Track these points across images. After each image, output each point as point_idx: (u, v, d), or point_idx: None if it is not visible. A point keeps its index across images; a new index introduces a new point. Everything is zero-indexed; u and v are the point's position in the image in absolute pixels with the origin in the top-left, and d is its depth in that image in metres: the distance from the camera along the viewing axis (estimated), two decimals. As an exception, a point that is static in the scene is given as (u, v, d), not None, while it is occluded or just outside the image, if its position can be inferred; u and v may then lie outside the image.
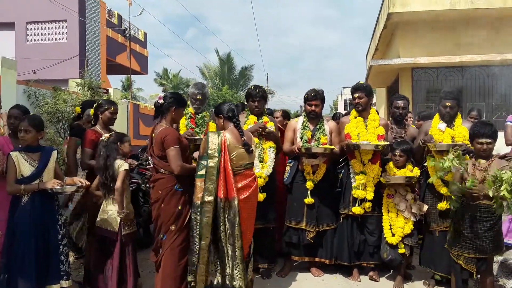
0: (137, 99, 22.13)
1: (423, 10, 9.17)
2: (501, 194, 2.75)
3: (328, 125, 4.16)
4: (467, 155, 3.42)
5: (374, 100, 13.86)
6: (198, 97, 4.03)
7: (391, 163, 3.93)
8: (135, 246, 3.47)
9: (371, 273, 4.01)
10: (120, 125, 10.61)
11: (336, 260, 4.08)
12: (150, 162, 4.68)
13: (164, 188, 3.15)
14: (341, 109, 30.56)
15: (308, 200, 3.98)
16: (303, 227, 4.00)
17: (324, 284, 3.95)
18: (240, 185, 3.14)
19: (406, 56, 9.62)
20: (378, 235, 3.93)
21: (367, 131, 3.96)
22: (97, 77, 16.59)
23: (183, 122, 3.91)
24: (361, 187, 3.89)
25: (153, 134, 3.26)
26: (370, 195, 3.87)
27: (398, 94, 4.85)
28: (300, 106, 24.18)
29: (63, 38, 17.25)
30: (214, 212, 3.06)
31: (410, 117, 5.50)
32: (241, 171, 3.20)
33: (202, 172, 3.09)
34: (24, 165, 2.98)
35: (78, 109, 4.55)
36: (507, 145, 4.25)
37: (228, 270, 3.07)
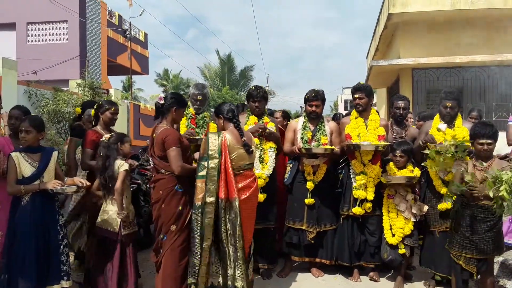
0: (137, 100, 22.13)
1: (423, 11, 9.17)
2: (500, 194, 2.76)
3: (329, 125, 4.17)
4: (467, 156, 3.42)
5: (375, 100, 13.89)
6: (198, 98, 4.03)
7: (391, 163, 3.93)
8: (136, 246, 3.47)
9: (371, 274, 4.01)
10: (121, 125, 10.62)
11: (336, 261, 4.08)
12: (150, 162, 4.68)
13: (165, 189, 3.15)
14: (341, 110, 30.56)
15: (309, 200, 3.98)
16: (303, 228, 4.00)
17: (325, 285, 3.95)
18: (240, 185, 3.14)
19: (406, 56, 9.63)
20: (379, 235, 3.93)
21: (367, 132, 3.96)
22: (97, 77, 16.59)
23: (183, 122, 3.92)
24: (362, 187, 3.89)
25: (154, 135, 3.26)
26: (370, 196, 3.87)
27: (398, 95, 4.85)
28: (301, 107, 24.17)
29: (63, 38, 17.26)
30: (216, 213, 3.07)
31: (410, 118, 5.50)
32: (241, 171, 3.20)
33: (203, 173, 3.09)
34: (25, 166, 2.98)
35: (78, 109, 4.56)
36: (509, 145, 4.24)
37: (230, 271, 3.07)
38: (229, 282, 3.06)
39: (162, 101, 3.29)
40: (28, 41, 17.33)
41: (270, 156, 3.98)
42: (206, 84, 9.01)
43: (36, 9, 16.57)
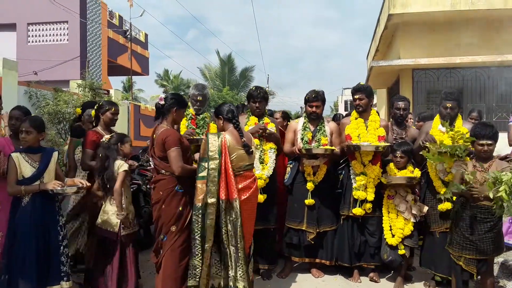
0: (138, 100, 22.15)
1: (423, 11, 9.17)
2: (498, 195, 2.76)
3: (329, 126, 4.17)
4: (468, 157, 3.42)
5: (375, 101, 13.90)
6: (198, 99, 4.03)
7: (391, 164, 3.93)
8: (136, 246, 3.47)
9: (371, 274, 4.00)
10: (121, 126, 10.63)
11: (336, 261, 4.08)
12: (151, 163, 4.68)
13: (165, 189, 3.15)
14: (341, 110, 30.57)
15: (309, 201, 3.98)
16: (303, 228, 4.00)
17: (325, 285, 3.95)
18: (240, 186, 3.14)
19: (406, 57, 9.63)
20: (379, 236, 3.93)
21: (367, 132, 3.96)
22: (98, 78, 16.60)
23: (183, 123, 3.92)
24: (362, 188, 3.89)
25: (154, 135, 3.26)
26: (370, 196, 3.87)
27: (398, 95, 4.86)
28: (301, 107, 24.17)
29: (64, 39, 17.27)
30: (217, 214, 3.06)
31: (410, 118, 5.50)
32: (241, 172, 3.20)
33: (203, 173, 3.09)
34: (25, 166, 2.98)
35: (78, 110, 4.56)
36: (510, 145, 4.24)
37: (231, 272, 3.05)
38: (231, 283, 3.05)
39: (162, 102, 3.29)
40: (29, 41, 17.35)
41: (270, 157, 3.98)
42: (206, 85, 9.02)
43: (37, 10, 16.59)
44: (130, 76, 19.44)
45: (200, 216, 3.05)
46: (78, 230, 3.86)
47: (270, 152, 4.00)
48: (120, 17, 20.05)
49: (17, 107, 3.66)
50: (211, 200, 3.03)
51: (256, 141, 3.84)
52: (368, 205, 3.89)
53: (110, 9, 19.49)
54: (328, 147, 3.97)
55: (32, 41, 17.38)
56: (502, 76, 9.24)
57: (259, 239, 3.68)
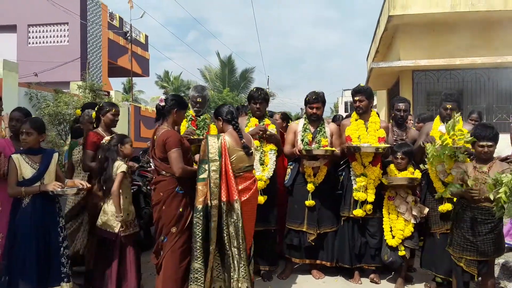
0: (138, 102, 22.17)
1: (423, 13, 9.19)
2: (498, 196, 2.75)
3: (329, 127, 4.17)
4: (468, 158, 3.42)
5: (375, 102, 13.90)
6: (198, 100, 4.03)
7: (392, 165, 3.93)
8: (137, 247, 3.47)
9: (372, 276, 4.00)
10: (121, 127, 10.63)
11: (337, 263, 4.07)
12: (151, 164, 4.68)
13: (166, 190, 3.15)
14: (341, 112, 30.53)
15: (309, 202, 3.98)
16: (304, 229, 4.00)
17: (325, 287, 3.95)
18: (240, 187, 3.13)
19: (406, 58, 9.64)
20: (380, 237, 3.92)
21: (367, 134, 3.96)
22: (98, 79, 16.63)
23: (184, 124, 3.92)
24: (362, 189, 3.89)
25: (155, 137, 3.26)
26: (371, 197, 3.87)
27: (399, 97, 4.86)
28: (301, 109, 24.17)
29: (64, 40, 17.30)
30: (218, 216, 3.05)
31: (410, 120, 5.50)
32: (241, 173, 3.19)
33: (204, 175, 3.08)
34: (26, 168, 2.99)
35: (78, 111, 4.56)
36: None
37: (234, 273, 3.03)
38: (233, 285, 3.04)
39: (162, 103, 3.29)
40: (29, 43, 17.38)
41: (271, 158, 3.98)
42: (206, 86, 9.03)
43: (37, 11, 16.62)
44: (130, 78, 19.47)
45: (201, 218, 3.03)
46: (76, 232, 3.85)
47: (270, 154, 4.00)
48: (121, 19, 20.08)
49: (18, 108, 3.66)
50: (214, 202, 3.02)
51: (256, 143, 3.84)
52: (369, 206, 3.89)
53: (111, 11, 19.53)
54: (328, 148, 3.97)
55: (33, 43, 17.41)
56: (502, 77, 9.25)
57: (260, 240, 3.68)
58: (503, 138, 3.62)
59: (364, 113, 4.01)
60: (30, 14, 16.79)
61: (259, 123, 4.07)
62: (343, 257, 4.02)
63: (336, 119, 5.77)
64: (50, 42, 17.34)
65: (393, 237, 3.79)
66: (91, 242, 3.57)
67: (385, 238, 3.85)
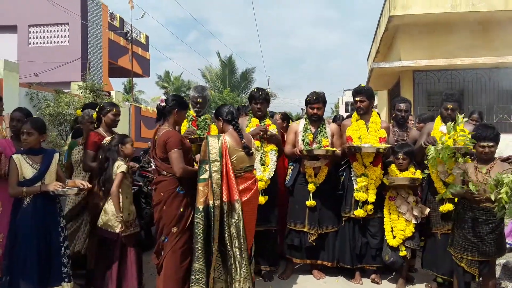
0: (139, 102, 22.20)
1: (424, 13, 9.17)
2: (499, 196, 2.75)
3: (330, 127, 4.17)
4: (469, 158, 3.42)
5: (376, 102, 13.90)
6: (198, 101, 4.03)
7: (393, 165, 3.93)
8: (137, 247, 3.47)
9: (373, 276, 4.00)
10: (122, 127, 10.64)
11: (338, 263, 4.07)
12: (152, 164, 4.68)
13: (166, 190, 3.15)
14: (342, 112, 30.55)
15: (310, 202, 3.98)
16: (305, 230, 4.00)
17: (326, 287, 3.95)
18: (240, 188, 3.13)
19: (407, 58, 9.63)
20: (380, 237, 3.92)
21: (368, 134, 3.96)
22: (99, 80, 16.64)
23: (184, 125, 3.92)
24: (363, 189, 3.89)
25: (156, 137, 3.26)
26: (372, 198, 3.87)
27: (400, 97, 4.86)
28: (302, 109, 24.18)
29: (65, 41, 17.31)
30: (220, 216, 3.05)
31: (411, 120, 5.50)
32: (242, 174, 3.19)
33: (205, 176, 3.08)
34: (26, 168, 2.99)
35: (79, 112, 4.56)
36: None
37: (235, 274, 3.03)
38: (235, 285, 3.02)
39: (163, 103, 3.29)
40: (30, 43, 17.39)
41: (272, 158, 3.98)
42: (206, 87, 9.03)
43: (38, 12, 16.63)
44: (131, 78, 19.49)
45: (202, 219, 3.03)
46: (76, 232, 3.85)
47: (271, 154, 3.99)
48: (121, 19, 20.09)
49: (18, 108, 3.67)
50: (217, 202, 3.02)
51: (257, 143, 3.84)
52: (370, 207, 3.88)
53: (111, 11, 19.53)
54: (329, 148, 3.96)
55: (33, 43, 17.43)
56: (503, 78, 9.24)
57: (261, 241, 3.68)
58: (504, 138, 3.62)
59: (365, 114, 4.01)
60: (30, 15, 16.80)
61: (260, 123, 4.07)
62: (344, 257, 4.02)
63: (337, 119, 5.77)
64: (51, 42, 17.35)
65: (394, 237, 3.79)
66: (92, 242, 3.57)
67: (386, 238, 3.84)
